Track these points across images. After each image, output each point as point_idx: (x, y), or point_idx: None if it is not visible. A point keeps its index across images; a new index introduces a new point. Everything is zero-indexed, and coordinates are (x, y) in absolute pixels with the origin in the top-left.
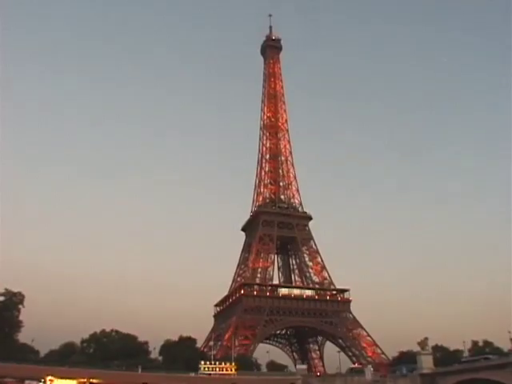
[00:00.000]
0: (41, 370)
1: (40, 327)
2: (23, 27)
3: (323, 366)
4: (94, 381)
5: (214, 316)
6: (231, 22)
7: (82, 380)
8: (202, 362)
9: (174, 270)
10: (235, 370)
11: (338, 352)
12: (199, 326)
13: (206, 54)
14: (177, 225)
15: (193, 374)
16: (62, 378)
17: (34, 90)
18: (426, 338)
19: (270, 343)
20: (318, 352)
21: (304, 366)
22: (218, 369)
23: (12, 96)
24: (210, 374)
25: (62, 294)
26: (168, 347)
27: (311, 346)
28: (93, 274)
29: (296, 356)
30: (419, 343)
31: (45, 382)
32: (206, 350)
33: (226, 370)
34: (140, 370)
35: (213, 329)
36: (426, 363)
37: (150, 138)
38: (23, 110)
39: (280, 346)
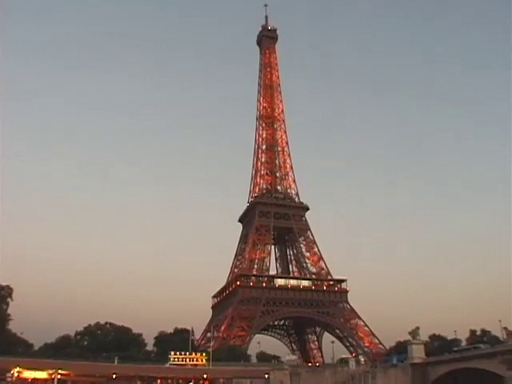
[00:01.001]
0: (9, 362)
1: (37, 320)
2: (24, 24)
3: (322, 356)
4: (63, 372)
5: (212, 307)
6: (227, 12)
7: (51, 371)
8: (172, 353)
9: (172, 262)
10: (206, 360)
11: (332, 342)
12: (199, 317)
13: (204, 45)
14: (175, 217)
15: (168, 365)
16: (30, 369)
17: (34, 87)
18: (418, 328)
19: (268, 334)
20: (316, 342)
21: (294, 357)
22: (188, 359)
23: (12, 95)
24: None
25: (59, 287)
26: (162, 339)
27: (310, 336)
28: (90, 268)
29: (294, 347)
30: (410, 332)
31: (12, 374)
32: (203, 341)
33: (197, 361)
34: (116, 362)
35: (211, 320)
36: (417, 352)
37: (148, 130)
38: (24, 108)
39: (279, 337)
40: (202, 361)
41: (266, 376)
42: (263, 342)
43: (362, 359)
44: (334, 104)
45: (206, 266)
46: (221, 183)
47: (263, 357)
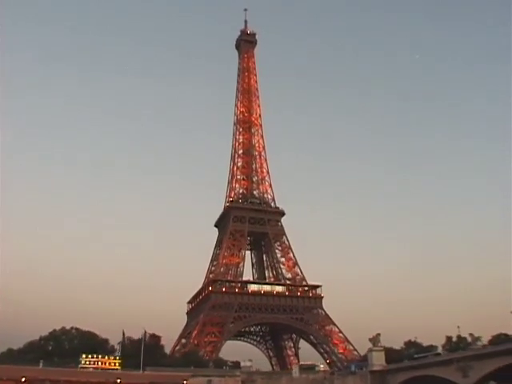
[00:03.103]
0: None
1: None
2: (23, 25)
3: (299, 362)
4: None
5: (187, 313)
6: (207, 16)
7: None
8: (84, 356)
9: (149, 267)
10: (119, 364)
11: (298, 348)
12: (175, 323)
13: (181, 48)
14: (151, 222)
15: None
16: None
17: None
18: (378, 334)
19: (244, 340)
20: (293, 349)
21: (249, 364)
22: (100, 363)
23: (12, 95)
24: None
25: (26, 292)
26: (126, 344)
27: (286, 342)
28: (63, 272)
29: (271, 353)
30: (371, 339)
31: None
32: (178, 347)
33: (109, 365)
34: (41, 365)
35: (185, 326)
36: (377, 360)
37: (122, 139)
38: (22, 109)
39: (255, 343)
40: (114, 365)
41: (185, 382)
42: (239, 349)
43: (322, 366)
44: (313, 108)
45: (183, 271)
46: (200, 188)
47: (220, 363)
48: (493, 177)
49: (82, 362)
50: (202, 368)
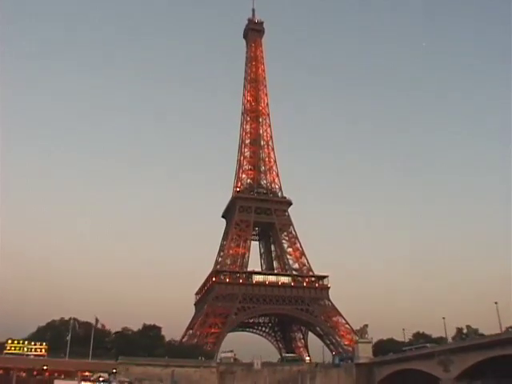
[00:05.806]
0: None
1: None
2: (22, 25)
3: (308, 355)
4: None
5: (195, 304)
6: (214, 5)
7: None
8: (10, 341)
9: (158, 259)
10: (46, 350)
11: (294, 340)
12: (185, 314)
13: (191, 37)
14: (161, 212)
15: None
16: None
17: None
18: (366, 325)
19: (253, 332)
20: (302, 340)
21: (229, 354)
22: (26, 349)
23: (12, 96)
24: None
25: (30, 284)
26: (124, 335)
27: (296, 334)
28: (68, 265)
29: (281, 345)
30: (358, 331)
31: None
32: (185, 338)
33: (36, 351)
34: None
35: (193, 317)
36: (364, 352)
37: (135, 129)
38: (20, 108)
39: (264, 335)
40: (41, 351)
41: (114, 370)
42: (248, 341)
43: (308, 358)
44: (322, 97)
45: (194, 262)
46: (211, 178)
47: (203, 353)
48: (493, 173)
49: (7, 348)
50: (180, 358)
